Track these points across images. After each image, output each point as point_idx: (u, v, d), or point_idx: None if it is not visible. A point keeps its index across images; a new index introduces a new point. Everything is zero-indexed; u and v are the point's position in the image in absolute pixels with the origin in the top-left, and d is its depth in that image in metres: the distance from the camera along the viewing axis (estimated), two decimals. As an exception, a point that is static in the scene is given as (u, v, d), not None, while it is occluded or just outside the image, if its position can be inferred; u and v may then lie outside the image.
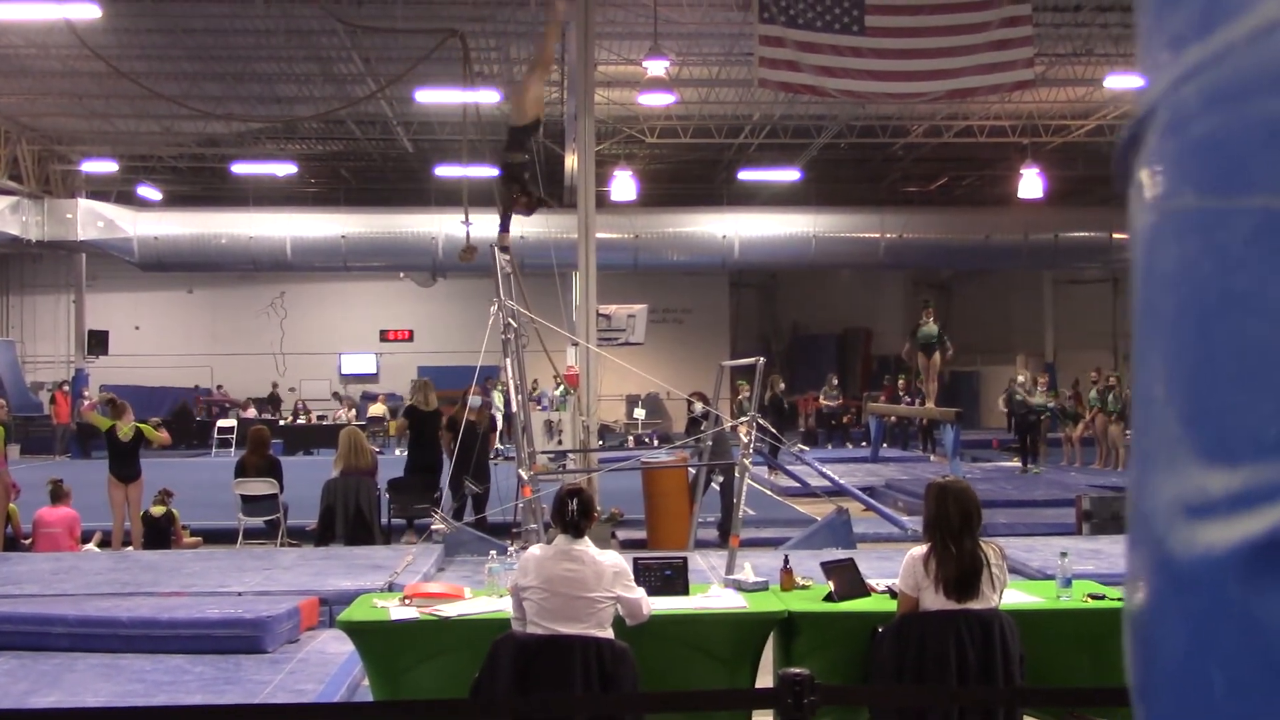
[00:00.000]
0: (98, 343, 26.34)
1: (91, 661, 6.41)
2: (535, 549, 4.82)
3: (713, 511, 11.07)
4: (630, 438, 24.40)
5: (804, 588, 5.57)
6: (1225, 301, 0.66)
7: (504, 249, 9.29)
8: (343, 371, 30.56)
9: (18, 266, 29.55)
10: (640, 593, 4.77)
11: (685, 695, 4.74)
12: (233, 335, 29.97)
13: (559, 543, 4.66)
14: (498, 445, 16.14)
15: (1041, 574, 7.69)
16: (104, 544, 11.05)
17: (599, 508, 7.28)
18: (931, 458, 20.58)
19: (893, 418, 22.12)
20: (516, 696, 4.39)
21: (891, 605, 4.92)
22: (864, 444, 22.12)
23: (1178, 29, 0.71)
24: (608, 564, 4.62)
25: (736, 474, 8.98)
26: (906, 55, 13.10)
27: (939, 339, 17.22)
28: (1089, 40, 16.92)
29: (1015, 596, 5.17)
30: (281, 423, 24.63)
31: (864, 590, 5.31)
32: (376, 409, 24.49)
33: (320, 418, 25.72)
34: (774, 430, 10.15)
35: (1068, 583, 5.38)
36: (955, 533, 4.59)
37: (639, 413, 25.59)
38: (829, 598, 5.24)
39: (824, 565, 5.42)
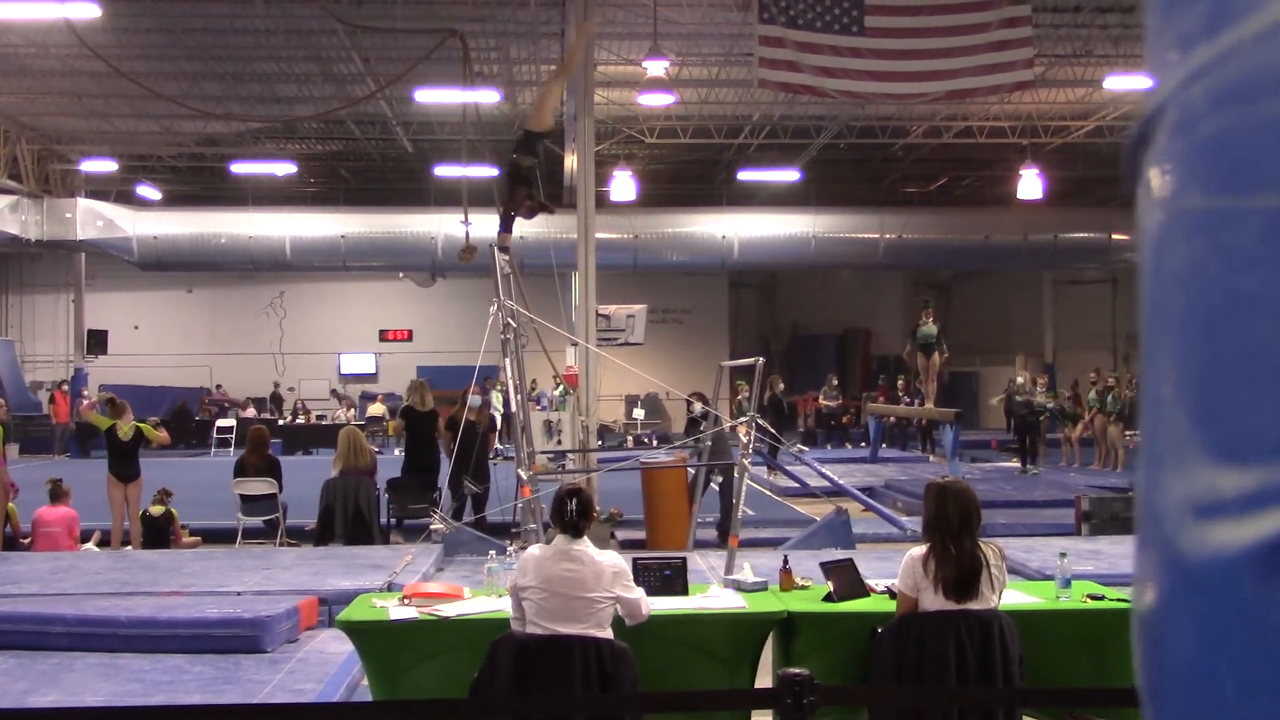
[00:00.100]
0: (97, 342, 26.32)
1: (90, 661, 6.41)
2: (534, 549, 4.82)
3: (712, 512, 11.07)
4: (629, 438, 24.39)
5: (803, 588, 5.57)
6: (1233, 301, 0.66)
7: (504, 249, 9.28)
8: (342, 371, 30.54)
9: (17, 266, 29.54)
10: (639, 593, 4.77)
11: (685, 695, 4.74)
12: (232, 335, 29.96)
13: (558, 543, 4.66)
14: (497, 445, 16.13)
15: (1041, 574, 7.68)
16: (103, 543, 11.04)
17: (598, 508, 7.27)
18: (931, 458, 20.58)
19: (892, 418, 22.12)
20: (516, 696, 4.39)
21: (891, 605, 4.92)
22: (863, 444, 22.11)
23: (1186, 29, 0.71)
24: (607, 564, 4.62)
25: (736, 474, 8.98)
26: (906, 56, 13.11)
27: (938, 340, 17.23)
28: (1089, 41, 16.92)
29: (1014, 597, 5.17)
30: (281, 422, 24.64)
31: (863, 590, 5.31)
32: (376, 409, 24.46)
33: (319, 417, 25.72)
34: (773, 430, 10.16)
35: (1067, 583, 5.37)
36: (955, 533, 4.59)
37: (638, 413, 25.59)
38: (828, 598, 5.24)
39: (823, 565, 5.42)
